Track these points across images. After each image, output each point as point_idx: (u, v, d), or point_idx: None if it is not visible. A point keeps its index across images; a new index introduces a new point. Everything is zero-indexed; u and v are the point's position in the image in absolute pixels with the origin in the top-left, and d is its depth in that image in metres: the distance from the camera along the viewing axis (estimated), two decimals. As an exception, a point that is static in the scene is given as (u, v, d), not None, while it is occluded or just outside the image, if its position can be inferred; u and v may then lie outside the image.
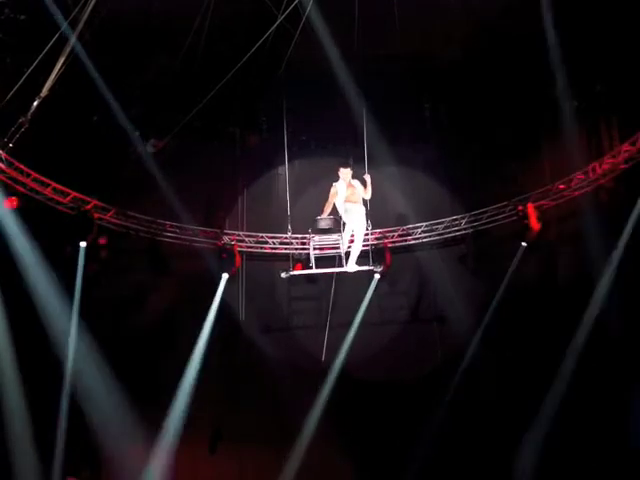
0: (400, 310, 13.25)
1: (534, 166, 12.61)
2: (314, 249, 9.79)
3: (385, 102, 11.92)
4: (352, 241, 9.65)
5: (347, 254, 9.68)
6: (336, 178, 9.46)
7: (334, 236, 9.99)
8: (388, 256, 12.28)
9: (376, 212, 10.08)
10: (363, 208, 9.48)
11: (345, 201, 9.36)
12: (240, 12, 10.99)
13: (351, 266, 9.56)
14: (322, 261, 10.60)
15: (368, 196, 9.49)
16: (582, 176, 11.79)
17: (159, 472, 11.41)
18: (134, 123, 11.32)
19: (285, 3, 10.27)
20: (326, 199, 9.42)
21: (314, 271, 9.85)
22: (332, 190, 9.38)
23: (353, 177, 9.52)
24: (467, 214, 12.79)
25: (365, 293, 12.32)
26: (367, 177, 9.51)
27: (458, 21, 11.19)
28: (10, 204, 10.36)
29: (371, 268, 9.82)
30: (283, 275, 9.97)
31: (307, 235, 9.98)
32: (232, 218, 13.21)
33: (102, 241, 11.63)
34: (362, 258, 9.98)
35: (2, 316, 10.19)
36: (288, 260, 12.66)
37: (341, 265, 9.79)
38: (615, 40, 10.97)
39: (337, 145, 12.92)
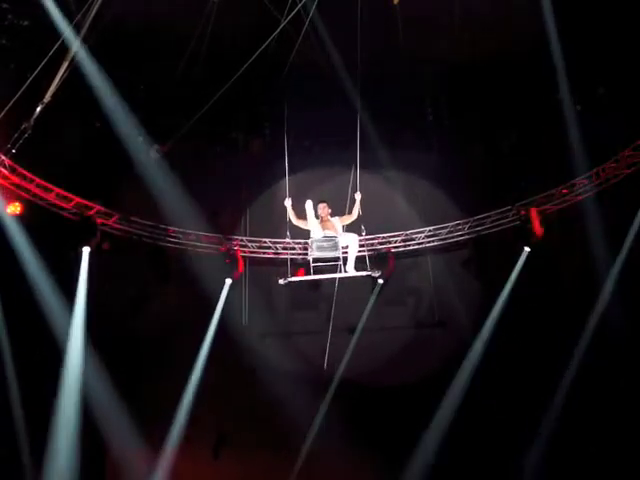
0: (403, 315, 13.24)
1: (537, 170, 12.60)
2: (313, 260, 9.53)
3: (387, 106, 11.92)
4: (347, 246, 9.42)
5: (345, 259, 9.37)
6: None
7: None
8: (391, 262, 12.26)
9: (379, 217, 10.03)
10: (340, 236, 9.24)
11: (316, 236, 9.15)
12: (243, 16, 11.00)
13: (350, 270, 9.31)
14: (324, 266, 10.46)
15: (354, 216, 9.31)
16: (585, 180, 11.78)
17: (163, 476, 11.46)
18: (137, 128, 11.31)
19: (288, 7, 10.27)
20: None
21: (312, 277, 9.60)
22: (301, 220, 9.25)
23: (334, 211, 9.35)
24: (470, 219, 12.79)
25: (368, 299, 12.30)
26: (357, 196, 9.33)
27: (461, 25, 11.18)
28: (14, 210, 10.39)
29: (369, 273, 9.51)
30: (281, 282, 9.55)
31: (308, 241, 9.74)
32: (235, 223, 13.22)
33: (105, 246, 11.63)
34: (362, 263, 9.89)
35: (3, 322, 10.21)
36: (290, 265, 12.65)
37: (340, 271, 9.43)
38: (618, 44, 11.01)
39: (340, 150, 12.86)
